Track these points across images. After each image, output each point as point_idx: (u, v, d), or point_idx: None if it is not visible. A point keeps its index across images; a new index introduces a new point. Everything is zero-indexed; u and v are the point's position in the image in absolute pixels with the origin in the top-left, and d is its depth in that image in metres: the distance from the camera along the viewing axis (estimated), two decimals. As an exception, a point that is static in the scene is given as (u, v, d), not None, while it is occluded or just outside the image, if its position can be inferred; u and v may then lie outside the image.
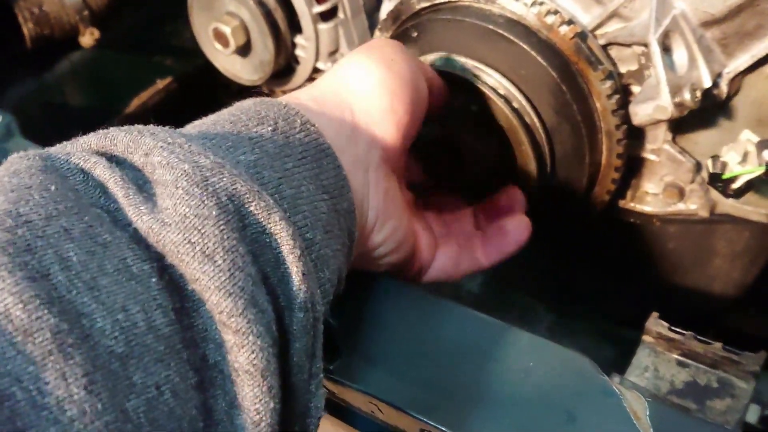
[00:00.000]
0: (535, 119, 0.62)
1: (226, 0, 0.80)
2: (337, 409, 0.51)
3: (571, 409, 0.44)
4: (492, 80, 0.62)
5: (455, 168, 0.65)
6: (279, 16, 0.79)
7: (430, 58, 0.65)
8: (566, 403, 0.44)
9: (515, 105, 0.61)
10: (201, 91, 1.06)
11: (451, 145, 0.63)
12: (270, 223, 0.37)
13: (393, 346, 0.48)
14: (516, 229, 0.59)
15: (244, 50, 0.82)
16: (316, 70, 0.84)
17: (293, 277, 0.37)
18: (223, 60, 0.85)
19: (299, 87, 0.86)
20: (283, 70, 0.85)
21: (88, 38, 1.04)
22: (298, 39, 0.82)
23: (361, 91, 0.49)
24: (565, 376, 0.46)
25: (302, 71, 0.84)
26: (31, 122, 0.76)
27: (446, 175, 0.65)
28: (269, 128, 0.43)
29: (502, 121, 0.62)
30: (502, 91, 0.61)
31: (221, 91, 1.01)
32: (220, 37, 0.81)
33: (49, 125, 0.99)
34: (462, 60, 0.63)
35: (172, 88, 1.05)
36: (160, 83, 1.04)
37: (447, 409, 0.44)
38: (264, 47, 0.81)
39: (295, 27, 0.81)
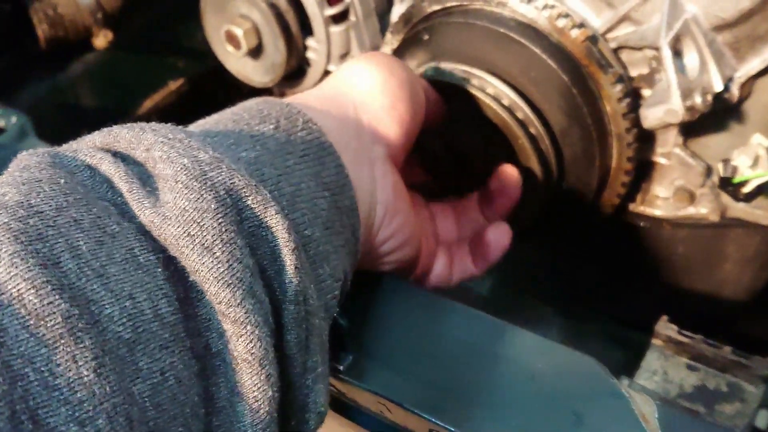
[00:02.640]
0: (530, 113, 0.62)
1: (238, 2, 0.81)
2: (346, 408, 0.51)
3: (579, 411, 0.44)
4: (479, 81, 0.62)
5: (463, 176, 0.65)
6: (290, 18, 0.80)
7: (420, 70, 0.65)
8: (574, 405, 0.44)
9: (505, 102, 0.61)
10: (212, 92, 1.06)
11: (456, 153, 0.64)
12: (266, 217, 0.38)
13: (402, 347, 0.48)
14: (496, 238, 0.59)
15: (256, 52, 0.83)
16: (327, 73, 0.84)
17: (287, 269, 0.38)
18: (235, 62, 0.86)
19: (310, 89, 0.87)
20: (295, 72, 0.85)
21: (101, 40, 1.05)
22: (310, 41, 0.82)
23: (364, 91, 0.50)
24: (574, 378, 0.46)
25: (313, 73, 0.85)
26: (45, 123, 0.76)
27: (454, 183, 0.65)
28: (271, 126, 0.44)
29: (494, 118, 0.62)
30: (490, 90, 0.62)
31: (232, 93, 1.01)
32: (232, 39, 0.82)
33: (62, 126, 1.00)
34: (450, 66, 0.63)
35: (183, 90, 1.05)
36: (172, 85, 1.05)
37: (455, 409, 0.45)
38: (275, 49, 0.81)
39: (307, 29, 0.81)
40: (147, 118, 1.01)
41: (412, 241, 0.54)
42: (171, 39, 1.11)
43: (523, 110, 0.62)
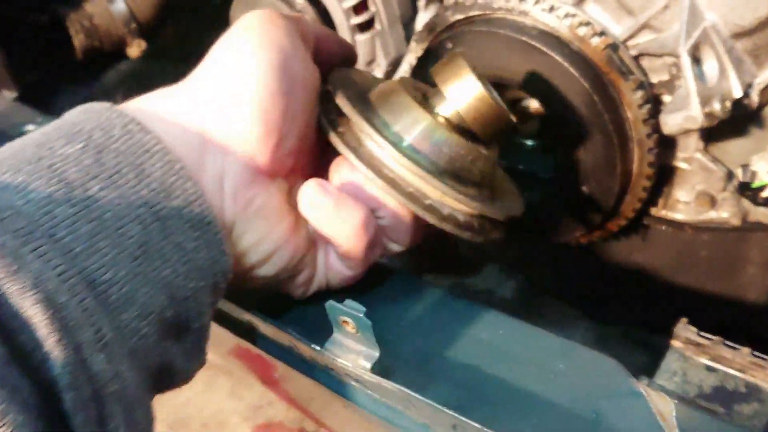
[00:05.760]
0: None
1: (267, 12, 0.83)
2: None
3: (599, 410, 0.45)
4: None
5: None
6: (318, 27, 0.82)
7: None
8: (594, 404, 0.45)
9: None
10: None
11: None
12: (23, 309, 0.36)
13: (428, 347, 0.50)
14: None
15: (285, 61, 0.85)
16: (353, 80, 0.86)
17: (54, 361, 0.36)
18: (264, 70, 0.88)
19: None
20: (322, 79, 0.87)
21: (135, 49, 1.08)
22: (337, 50, 0.84)
23: (217, 87, 0.46)
24: (594, 378, 0.47)
25: (340, 81, 0.86)
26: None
27: None
28: (78, 146, 0.41)
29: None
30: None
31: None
32: (261, 48, 0.84)
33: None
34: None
35: (214, 97, 1.08)
36: (203, 92, 1.07)
37: (478, 406, 0.46)
38: (303, 58, 0.83)
39: (334, 38, 0.83)
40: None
41: (280, 252, 0.49)
42: (203, 48, 1.13)
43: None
